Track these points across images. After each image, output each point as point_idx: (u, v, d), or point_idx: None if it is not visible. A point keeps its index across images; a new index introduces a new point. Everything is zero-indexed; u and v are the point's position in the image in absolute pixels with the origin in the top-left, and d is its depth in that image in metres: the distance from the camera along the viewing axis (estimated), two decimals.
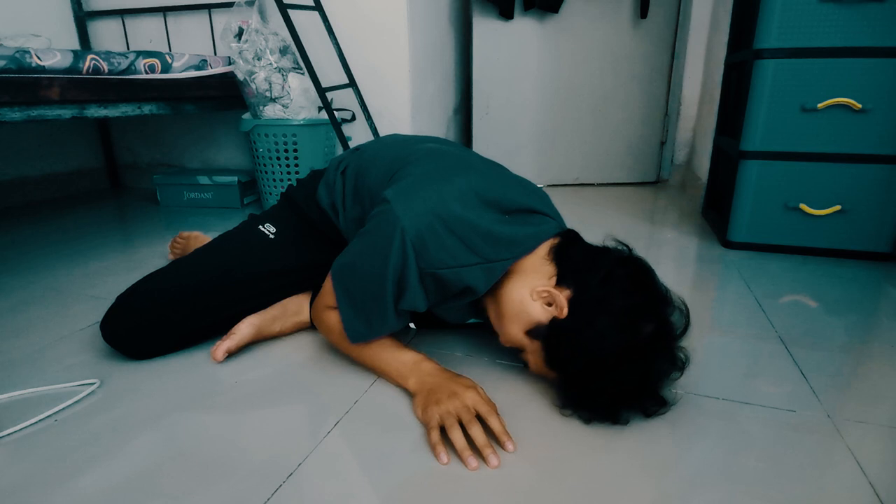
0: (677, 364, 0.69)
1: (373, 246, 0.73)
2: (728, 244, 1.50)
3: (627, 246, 0.74)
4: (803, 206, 1.40)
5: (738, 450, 0.66)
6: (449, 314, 0.88)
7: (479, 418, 0.67)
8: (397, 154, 0.86)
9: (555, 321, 0.69)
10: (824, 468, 0.63)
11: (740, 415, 0.73)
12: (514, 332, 0.73)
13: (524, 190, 0.83)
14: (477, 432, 0.64)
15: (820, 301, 1.14)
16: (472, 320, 0.92)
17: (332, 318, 0.81)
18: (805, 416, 0.73)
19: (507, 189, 0.80)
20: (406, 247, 0.69)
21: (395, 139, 0.97)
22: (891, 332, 0.99)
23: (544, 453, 0.65)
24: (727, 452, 0.65)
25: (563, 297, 0.69)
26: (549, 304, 0.70)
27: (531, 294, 0.71)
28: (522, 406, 0.74)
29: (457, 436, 0.64)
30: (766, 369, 0.85)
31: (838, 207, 1.38)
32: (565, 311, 0.68)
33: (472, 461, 0.62)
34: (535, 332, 0.71)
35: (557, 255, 0.73)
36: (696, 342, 0.95)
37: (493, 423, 0.66)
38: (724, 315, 1.07)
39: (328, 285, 0.80)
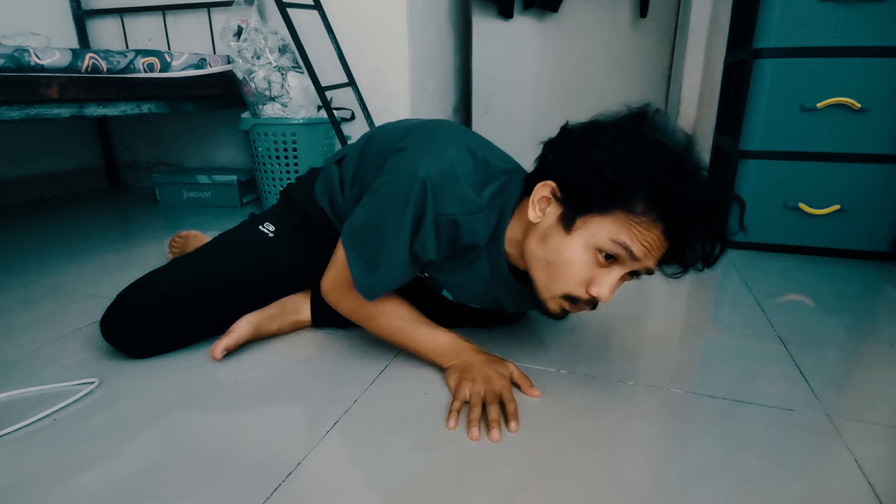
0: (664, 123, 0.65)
1: (393, 185, 0.72)
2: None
3: None
4: (802, 206, 1.40)
5: (737, 449, 0.66)
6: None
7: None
8: (402, 126, 0.85)
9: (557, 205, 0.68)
10: (823, 467, 0.63)
11: (739, 414, 0.73)
12: (570, 253, 0.67)
13: (507, 159, 0.84)
14: (493, 411, 0.70)
15: (819, 300, 1.15)
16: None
17: (355, 298, 0.81)
18: (804, 415, 0.73)
19: (494, 155, 0.81)
20: (427, 186, 0.69)
21: (392, 124, 0.96)
22: (889, 331, 0.99)
23: (544, 452, 0.65)
24: (726, 451, 0.65)
25: (543, 186, 0.69)
26: (548, 199, 0.69)
27: (535, 223, 0.70)
28: (522, 405, 0.74)
29: (474, 414, 0.69)
30: (765, 368, 0.85)
31: (837, 207, 1.38)
32: (552, 185, 0.68)
33: (475, 432, 0.67)
34: (566, 218, 0.67)
35: (527, 186, 0.74)
36: (695, 342, 0.95)
37: (510, 407, 0.71)
38: (724, 315, 1.07)
39: (342, 250, 0.78)
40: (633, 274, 0.69)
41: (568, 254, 0.67)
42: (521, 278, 0.78)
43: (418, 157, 0.71)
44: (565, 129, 0.71)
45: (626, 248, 0.64)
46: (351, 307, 0.84)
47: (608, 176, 0.63)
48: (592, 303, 0.70)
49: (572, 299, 0.69)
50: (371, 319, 0.83)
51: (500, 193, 0.75)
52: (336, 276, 0.83)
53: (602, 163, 0.63)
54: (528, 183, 0.74)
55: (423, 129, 0.80)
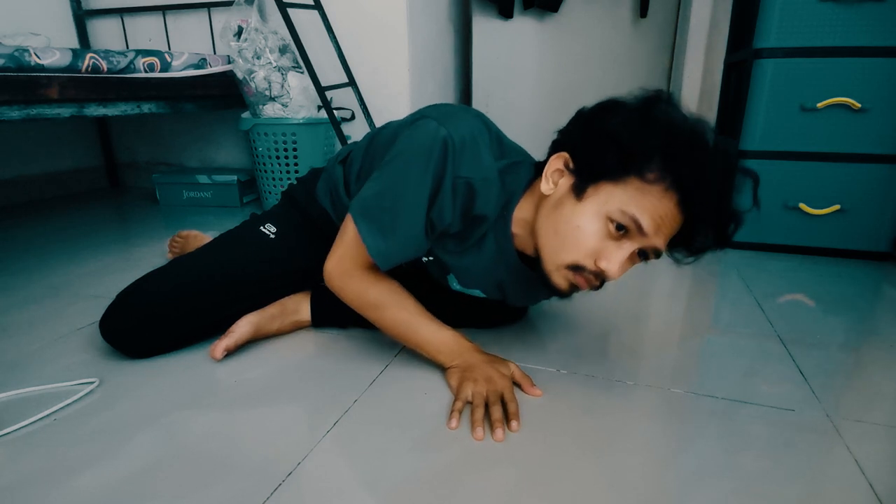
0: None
1: (412, 149, 0.71)
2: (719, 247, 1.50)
3: None
4: (802, 206, 1.40)
5: (737, 449, 0.66)
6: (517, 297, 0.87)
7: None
8: (411, 115, 0.84)
9: (569, 168, 0.69)
10: (823, 467, 0.63)
11: (739, 414, 0.73)
12: (579, 220, 0.66)
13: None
14: (496, 410, 0.70)
15: (819, 300, 1.15)
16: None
17: (360, 282, 0.79)
18: (804, 415, 0.73)
19: (505, 137, 0.82)
20: (448, 147, 0.68)
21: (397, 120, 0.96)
22: (889, 331, 0.99)
23: (544, 452, 0.65)
24: (726, 451, 0.65)
25: (556, 158, 0.70)
26: (561, 171, 0.70)
27: (547, 195, 0.70)
28: (522, 405, 0.74)
29: (478, 414, 0.69)
30: (765, 369, 0.85)
31: (837, 207, 1.38)
32: (565, 156, 0.69)
33: (479, 432, 0.67)
34: (577, 188, 0.67)
35: (541, 168, 0.75)
36: (695, 342, 0.95)
37: (511, 406, 0.71)
38: (724, 315, 1.07)
39: (351, 226, 0.75)
40: (643, 256, 0.68)
41: (577, 221, 0.66)
42: (528, 264, 0.79)
43: (438, 123, 0.70)
44: (580, 111, 0.72)
45: (636, 221, 0.63)
46: (356, 292, 0.80)
47: (622, 142, 0.63)
48: (599, 277, 0.68)
49: (578, 268, 0.67)
50: (376, 308, 0.81)
51: (510, 171, 0.75)
52: (343, 255, 0.79)
53: (616, 131, 0.63)
54: (539, 167, 0.75)
55: (439, 105, 0.80)
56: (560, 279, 0.70)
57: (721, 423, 0.71)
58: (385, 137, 0.84)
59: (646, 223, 0.63)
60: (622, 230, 0.65)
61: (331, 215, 0.93)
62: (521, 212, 0.75)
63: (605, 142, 0.64)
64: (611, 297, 1.14)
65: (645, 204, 0.63)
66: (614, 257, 0.65)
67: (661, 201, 0.63)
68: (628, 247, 0.65)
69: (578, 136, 0.69)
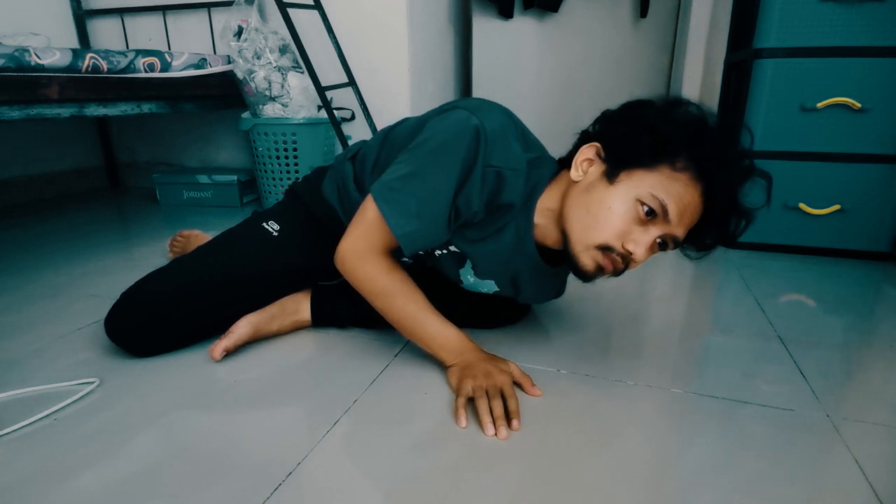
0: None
1: (444, 135, 0.73)
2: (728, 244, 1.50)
3: None
4: (803, 206, 1.40)
5: (737, 449, 0.66)
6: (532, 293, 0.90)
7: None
8: (432, 111, 0.85)
9: (601, 148, 0.73)
10: (823, 467, 0.63)
11: (739, 414, 0.73)
12: (611, 201, 0.69)
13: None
14: (496, 405, 0.70)
15: (819, 300, 1.15)
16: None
17: (374, 267, 0.78)
18: (804, 415, 0.73)
19: (529, 132, 0.85)
20: (480, 135, 0.71)
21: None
22: (889, 331, 0.99)
23: (545, 452, 0.65)
24: (726, 451, 0.65)
25: (588, 148, 0.73)
26: (591, 160, 0.73)
27: (576, 181, 0.74)
28: (522, 405, 0.74)
29: (482, 407, 0.70)
30: (766, 369, 0.85)
31: (837, 207, 1.38)
32: (597, 145, 0.73)
33: (490, 428, 0.68)
34: (610, 173, 0.71)
35: (564, 163, 0.79)
36: (695, 342, 0.95)
37: (511, 403, 0.71)
38: (724, 314, 1.08)
39: (371, 208, 0.75)
40: (662, 246, 0.71)
41: (609, 202, 0.70)
42: (544, 257, 0.80)
43: (470, 113, 0.73)
44: (605, 111, 0.77)
45: (664, 206, 0.67)
46: (368, 277, 0.79)
47: (657, 131, 0.68)
48: (624, 260, 0.71)
49: (607, 249, 0.70)
50: (387, 296, 0.80)
51: (535, 163, 0.77)
52: (360, 237, 0.78)
53: (652, 121, 0.69)
54: (561, 161, 0.79)
55: (468, 98, 0.82)
56: (588, 259, 0.72)
57: (721, 423, 0.71)
58: (406, 129, 0.85)
59: (671, 209, 0.67)
60: (651, 215, 0.68)
61: (337, 212, 0.93)
62: (546, 201, 0.78)
63: (641, 130, 0.69)
64: (611, 297, 1.14)
65: (672, 191, 0.67)
66: (641, 240, 0.69)
67: (686, 189, 0.67)
68: (654, 232, 0.69)
69: (610, 127, 0.74)
